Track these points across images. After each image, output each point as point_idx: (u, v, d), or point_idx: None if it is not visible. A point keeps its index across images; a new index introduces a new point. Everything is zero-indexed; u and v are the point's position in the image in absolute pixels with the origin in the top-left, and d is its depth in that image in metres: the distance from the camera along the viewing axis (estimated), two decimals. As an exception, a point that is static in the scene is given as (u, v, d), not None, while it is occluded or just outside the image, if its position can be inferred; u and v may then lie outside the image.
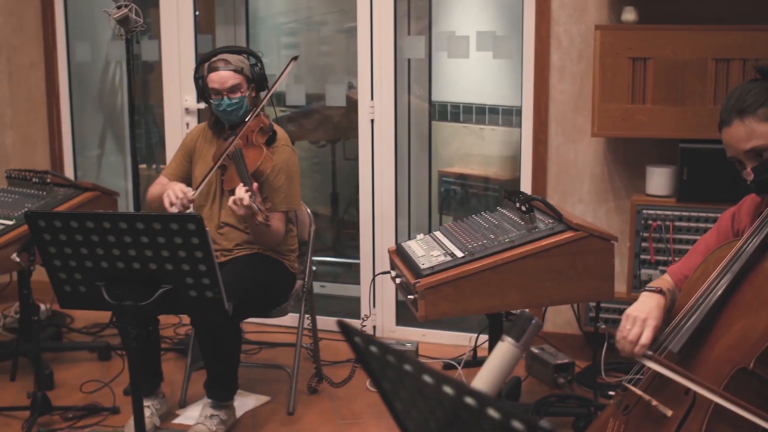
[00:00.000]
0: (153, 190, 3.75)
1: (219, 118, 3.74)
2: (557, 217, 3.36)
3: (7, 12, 4.96)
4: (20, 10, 4.94)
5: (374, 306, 4.53)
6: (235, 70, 3.62)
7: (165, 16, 4.64)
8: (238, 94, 3.61)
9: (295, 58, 3.65)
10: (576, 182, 4.16)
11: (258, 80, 3.70)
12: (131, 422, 3.53)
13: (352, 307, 4.74)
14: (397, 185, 4.46)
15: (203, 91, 3.70)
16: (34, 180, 4.13)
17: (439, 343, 4.44)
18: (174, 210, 3.46)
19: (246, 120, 3.63)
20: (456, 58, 4.43)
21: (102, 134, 5.31)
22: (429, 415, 1.61)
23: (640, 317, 2.31)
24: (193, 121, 4.68)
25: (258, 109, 3.64)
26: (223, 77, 3.60)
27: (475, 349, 4.21)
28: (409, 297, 3.29)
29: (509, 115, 5.26)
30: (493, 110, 5.30)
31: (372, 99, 4.37)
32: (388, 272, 3.65)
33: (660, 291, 2.39)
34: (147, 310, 2.79)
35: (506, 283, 3.21)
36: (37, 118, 5.02)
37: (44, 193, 4.10)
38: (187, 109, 4.70)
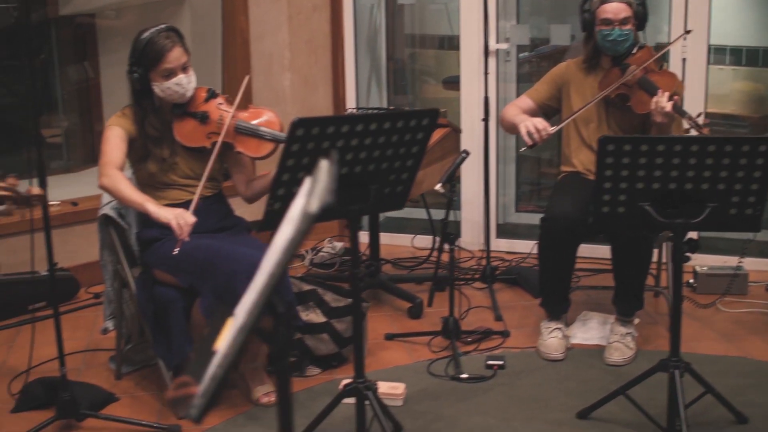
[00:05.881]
0: (511, 110, 3.97)
1: (596, 52, 3.92)
2: None
3: (290, -43, 5.04)
4: (303, -45, 5.03)
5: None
6: (627, 3, 3.82)
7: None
8: (629, 26, 3.80)
9: (688, 32, 3.86)
10: None
11: (640, 19, 3.89)
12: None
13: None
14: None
15: (588, 23, 3.87)
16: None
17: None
18: (528, 140, 3.71)
19: (633, 52, 3.84)
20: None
21: (368, 78, 5.43)
22: None
23: None
24: (490, 62, 4.84)
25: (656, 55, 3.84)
26: (616, 9, 3.78)
27: None
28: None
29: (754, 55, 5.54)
30: (735, 51, 5.57)
31: (685, 39, 4.60)
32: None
33: None
34: (693, 227, 3.02)
35: None
36: (318, 61, 5.13)
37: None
38: (486, 50, 4.85)
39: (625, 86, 3.77)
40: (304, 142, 2.67)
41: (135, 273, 3.48)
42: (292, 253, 1.44)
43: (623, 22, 3.79)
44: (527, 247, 5.00)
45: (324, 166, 1.67)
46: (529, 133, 3.70)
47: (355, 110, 4.46)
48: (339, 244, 4.98)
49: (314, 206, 1.44)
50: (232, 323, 1.72)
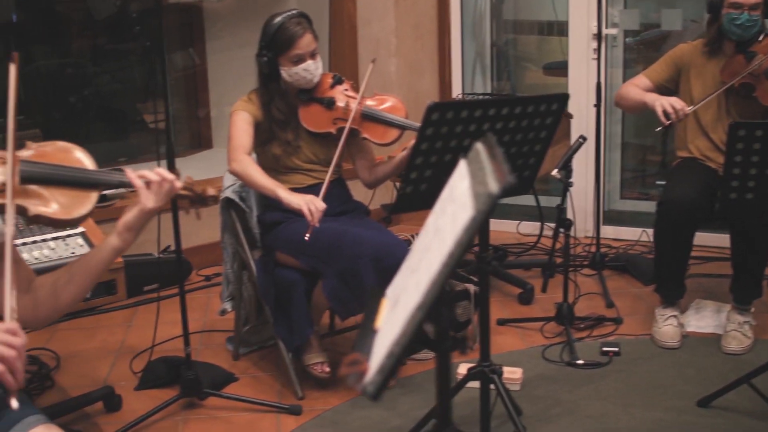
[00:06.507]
0: (633, 90, 3.91)
1: (720, 36, 3.82)
2: None
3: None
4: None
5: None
6: None
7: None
8: (758, 12, 3.71)
9: None
10: None
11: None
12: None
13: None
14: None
15: (715, 5, 3.78)
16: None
17: None
18: (665, 120, 3.64)
19: (759, 39, 3.75)
20: None
21: (473, 64, 5.43)
22: None
23: None
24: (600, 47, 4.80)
25: None
26: None
27: None
28: None
29: None
30: None
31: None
32: None
33: None
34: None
35: None
36: (425, 46, 5.15)
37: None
38: (594, 35, 4.80)
39: (750, 75, 3.68)
40: (438, 126, 2.69)
41: (255, 255, 3.54)
42: (474, 233, 1.46)
43: (753, 7, 3.68)
44: (632, 233, 4.96)
45: (481, 148, 1.68)
46: (666, 113, 3.64)
47: (462, 96, 4.46)
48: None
49: (495, 187, 1.46)
50: (388, 303, 1.76)
